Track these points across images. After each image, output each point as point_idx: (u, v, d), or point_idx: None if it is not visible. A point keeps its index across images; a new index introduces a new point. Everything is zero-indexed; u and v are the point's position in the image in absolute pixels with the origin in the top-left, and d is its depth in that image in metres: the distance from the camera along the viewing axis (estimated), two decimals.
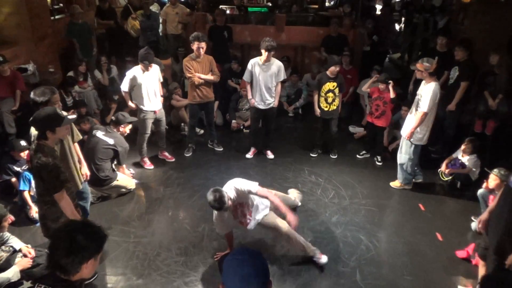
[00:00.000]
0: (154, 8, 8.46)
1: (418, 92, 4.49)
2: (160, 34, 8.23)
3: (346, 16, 8.51)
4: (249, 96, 5.32)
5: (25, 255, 3.29)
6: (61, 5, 8.02)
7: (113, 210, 4.45)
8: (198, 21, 8.17)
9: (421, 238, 4.08)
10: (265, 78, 5.12)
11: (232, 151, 5.88)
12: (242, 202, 3.41)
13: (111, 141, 4.49)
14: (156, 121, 5.22)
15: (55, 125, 2.84)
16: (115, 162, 4.71)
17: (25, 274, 3.13)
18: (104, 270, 3.55)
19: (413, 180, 4.94)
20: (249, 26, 8.47)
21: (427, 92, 4.30)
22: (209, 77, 5.20)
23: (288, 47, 8.09)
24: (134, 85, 4.93)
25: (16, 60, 6.05)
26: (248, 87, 5.29)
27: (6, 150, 4.69)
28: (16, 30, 6.26)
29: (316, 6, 11.51)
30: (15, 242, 3.38)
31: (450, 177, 5.02)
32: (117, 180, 4.60)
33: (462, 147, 4.90)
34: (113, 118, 4.89)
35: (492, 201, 3.85)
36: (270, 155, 5.67)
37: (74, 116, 3.13)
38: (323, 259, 3.60)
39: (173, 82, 6.75)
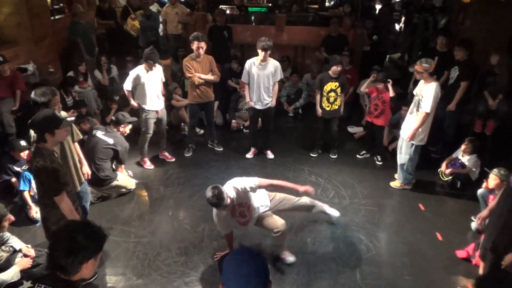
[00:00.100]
0: (153, 8, 8.46)
1: (417, 92, 4.48)
2: (161, 34, 8.23)
3: (346, 16, 8.51)
4: (247, 99, 5.33)
5: (25, 255, 3.30)
6: (62, 5, 8.02)
7: (113, 210, 4.45)
8: (198, 21, 8.17)
9: (421, 238, 4.08)
10: (262, 77, 5.12)
11: (232, 151, 5.88)
12: (242, 202, 3.40)
13: (110, 140, 4.49)
14: (158, 121, 5.22)
15: (54, 127, 2.81)
16: (115, 162, 4.71)
17: (25, 274, 3.13)
18: (104, 270, 3.55)
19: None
20: (249, 26, 8.48)
21: (428, 92, 4.29)
22: (209, 77, 5.20)
23: (288, 47, 8.09)
24: (137, 84, 4.93)
25: (16, 60, 6.05)
26: (246, 89, 5.29)
27: (6, 150, 4.69)
28: (16, 30, 6.26)
29: (316, 6, 11.51)
30: (15, 242, 3.38)
31: (450, 177, 5.02)
32: (117, 180, 4.60)
33: (462, 147, 4.90)
34: (113, 118, 4.89)
35: (492, 201, 3.86)
36: (270, 155, 5.67)
37: (72, 118, 3.10)
38: (290, 258, 3.64)
39: (173, 82, 6.75)
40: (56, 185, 2.82)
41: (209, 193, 3.14)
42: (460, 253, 3.80)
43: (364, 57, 7.92)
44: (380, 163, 5.51)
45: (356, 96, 7.02)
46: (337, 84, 5.29)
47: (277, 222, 3.49)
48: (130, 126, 4.83)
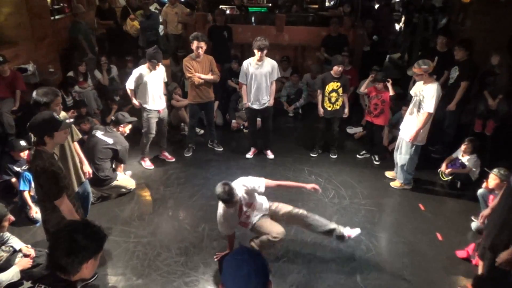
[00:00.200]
0: (152, 7, 8.47)
1: (416, 92, 4.48)
2: (161, 34, 8.23)
3: (346, 16, 8.51)
4: (245, 100, 5.34)
5: (25, 255, 3.29)
6: (62, 5, 8.02)
7: (113, 210, 4.45)
8: (198, 21, 8.17)
9: (421, 238, 4.08)
10: (259, 77, 5.12)
11: (232, 151, 5.88)
12: (249, 202, 3.42)
13: (110, 140, 4.49)
14: (159, 121, 5.21)
15: (52, 130, 2.79)
16: (115, 162, 4.71)
17: (25, 274, 3.13)
18: (104, 270, 3.55)
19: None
20: (249, 26, 8.47)
21: (430, 93, 4.29)
22: (209, 77, 5.20)
23: (288, 47, 8.09)
24: (140, 83, 4.94)
25: (16, 60, 6.05)
26: (244, 89, 5.29)
27: (6, 150, 4.69)
28: (16, 30, 6.26)
29: (316, 6, 11.52)
30: (15, 242, 3.38)
31: (450, 177, 5.02)
32: (117, 180, 4.60)
33: (462, 147, 4.90)
34: (112, 118, 4.89)
35: (492, 201, 3.87)
36: (270, 155, 5.67)
37: (72, 120, 3.09)
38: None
39: (173, 82, 6.75)
40: (55, 188, 2.80)
41: (219, 189, 3.12)
42: (460, 253, 3.80)
43: (364, 57, 7.92)
44: (378, 163, 5.51)
45: (356, 96, 7.02)
46: (338, 84, 5.29)
47: (278, 228, 3.43)
48: (130, 126, 4.84)
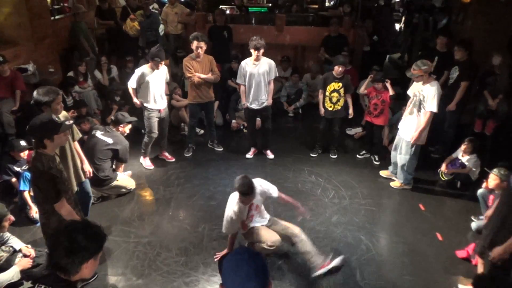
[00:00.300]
0: (151, 8, 8.46)
1: (415, 92, 4.47)
2: (161, 34, 8.23)
3: (346, 16, 8.51)
4: (243, 101, 5.34)
5: (25, 255, 3.30)
6: (63, 4, 8.01)
7: (113, 210, 4.45)
8: (198, 21, 8.18)
9: (421, 238, 4.08)
10: (257, 77, 5.12)
11: (232, 151, 5.88)
12: (258, 205, 3.45)
13: (110, 140, 4.49)
14: (160, 120, 5.21)
15: (52, 133, 2.75)
16: (115, 162, 4.71)
17: (25, 274, 3.13)
18: (104, 270, 3.55)
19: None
20: (250, 26, 8.47)
21: (431, 92, 4.29)
22: (209, 77, 5.20)
23: (288, 47, 8.09)
24: (142, 82, 4.93)
25: (16, 60, 6.05)
26: (242, 90, 5.29)
27: (6, 150, 4.69)
28: (16, 30, 6.26)
29: (316, 6, 11.52)
30: (15, 242, 3.38)
31: (450, 177, 5.02)
32: (117, 180, 4.60)
33: (462, 147, 4.90)
34: (112, 117, 4.89)
35: (492, 201, 3.87)
36: (270, 155, 5.67)
37: (71, 121, 3.03)
38: None
39: (173, 82, 6.75)
40: (53, 192, 2.76)
41: (240, 181, 3.16)
42: (460, 253, 3.80)
43: (364, 57, 7.92)
44: (378, 163, 5.51)
45: (356, 96, 7.00)
46: (340, 84, 5.29)
47: (274, 237, 3.45)
48: (129, 125, 4.84)
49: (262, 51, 4.99)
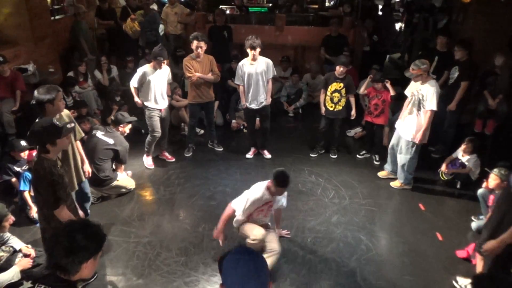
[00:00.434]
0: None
1: (413, 92, 4.48)
2: (161, 34, 8.23)
3: (346, 16, 8.51)
4: (243, 101, 5.34)
5: (25, 255, 3.30)
6: (63, 4, 8.01)
7: (113, 210, 4.45)
8: (198, 21, 8.18)
9: (421, 238, 4.08)
10: (255, 76, 5.12)
11: (232, 151, 5.88)
12: (273, 205, 3.50)
13: (110, 141, 4.49)
14: (161, 120, 5.21)
15: (54, 137, 2.72)
16: (115, 162, 4.71)
17: (25, 274, 3.13)
18: (104, 270, 3.55)
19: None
20: (250, 26, 8.47)
21: (430, 90, 4.30)
22: (209, 77, 5.20)
23: (288, 47, 8.09)
24: (143, 82, 4.93)
25: (16, 60, 6.06)
26: (241, 90, 5.29)
27: (6, 150, 4.69)
28: (16, 30, 6.27)
29: (316, 6, 11.51)
30: (15, 242, 3.38)
31: (450, 177, 5.02)
32: (117, 180, 4.60)
33: (462, 147, 4.90)
34: (112, 118, 4.89)
35: (493, 201, 3.87)
36: (267, 155, 5.66)
37: (73, 124, 3.00)
38: None
39: (173, 82, 6.76)
40: (53, 198, 2.74)
41: (285, 173, 3.29)
42: (460, 253, 3.80)
43: (364, 57, 7.92)
44: (378, 162, 5.51)
45: (356, 96, 7.00)
46: (341, 85, 5.29)
47: (257, 231, 3.42)
48: (129, 126, 4.83)
49: (258, 50, 4.99)
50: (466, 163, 4.86)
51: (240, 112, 6.70)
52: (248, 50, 4.99)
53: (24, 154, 4.51)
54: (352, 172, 5.30)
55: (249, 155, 5.67)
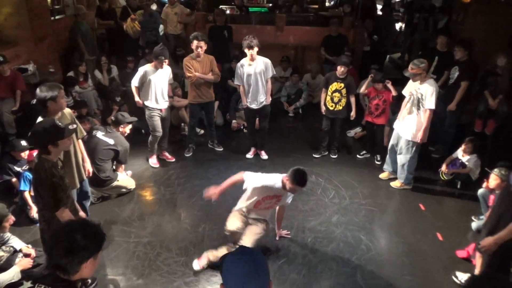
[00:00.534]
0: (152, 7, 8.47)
1: (412, 91, 4.48)
2: (160, 34, 8.24)
3: (346, 16, 8.51)
4: (244, 102, 5.34)
5: (25, 255, 3.30)
6: (63, 5, 8.01)
7: (113, 210, 4.45)
8: (198, 21, 8.18)
9: (421, 238, 4.08)
10: (254, 76, 5.12)
11: (232, 151, 5.87)
12: (281, 200, 3.51)
13: (111, 141, 4.49)
14: (161, 120, 5.22)
15: (56, 139, 2.69)
16: (115, 162, 4.71)
17: (26, 274, 3.13)
18: (104, 270, 3.55)
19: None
20: (251, 26, 8.47)
21: (429, 90, 4.31)
22: (209, 76, 5.20)
23: (288, 47, 8.09)
24: (144, 81, 4.93)
25: (16, 60, 6.06)
26: (242, 91, 5.29)
27: (7, 150, 4.69)
28: (16, 30, 6.26)
29: (316, 6, 11.53)
30: (15, 242, 3.39)
31: (450, 177, 5.02)
32: (118, 181, 4.60)
33: (462, 147, 4.90)
34: (112, 118, 4.89)
35: (493, 201, 3.88)
36: (264, 155, 5.65)
37: (75, 125, 2.99)
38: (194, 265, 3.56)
39: (173, 82, 6.75)
40: (53, 201, 2.72)
41: (305, 174, 3.25)
42: (461, 253, 3.80)
43: (364, 57, 7.92)
44: (379, 162, 5.51)
45: (356, 96, 7.00)
46: (342, 85, 5.28)
47: (231, 221, 3.49)
48: (130, 126, 4.84)
49: (256, 49, 4.99)
50: (466, 163, 4.86)
51: (240, 112, 6.70)
52: (246, 50, 4.99)
53: (25, 154, 4.51)
54: (352, 172, 5.30)
55: (249, 155, 5.67)
